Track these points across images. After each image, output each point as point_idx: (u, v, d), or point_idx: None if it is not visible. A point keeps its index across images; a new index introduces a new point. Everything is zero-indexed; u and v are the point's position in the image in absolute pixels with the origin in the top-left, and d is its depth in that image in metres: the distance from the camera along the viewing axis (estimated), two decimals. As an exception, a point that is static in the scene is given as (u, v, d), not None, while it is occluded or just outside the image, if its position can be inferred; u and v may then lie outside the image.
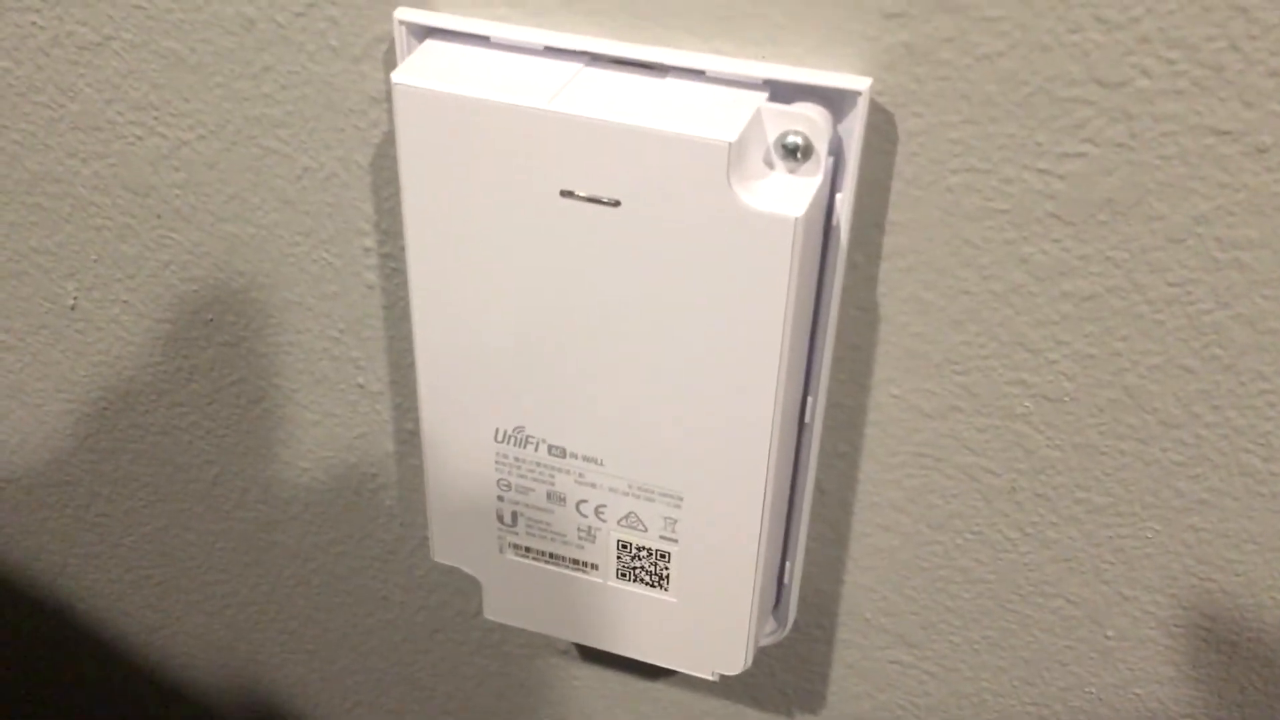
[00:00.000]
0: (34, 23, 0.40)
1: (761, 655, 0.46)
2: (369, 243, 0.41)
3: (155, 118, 0.40)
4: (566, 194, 0.33)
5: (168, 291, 0.45)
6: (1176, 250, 0.32)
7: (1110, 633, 0.41)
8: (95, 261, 0.45)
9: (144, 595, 0.57)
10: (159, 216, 0.43)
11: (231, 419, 0.48)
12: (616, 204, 0.32)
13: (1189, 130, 0.30)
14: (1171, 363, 0.34)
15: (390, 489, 0.48)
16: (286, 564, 0.53)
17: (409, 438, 0.45)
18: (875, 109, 0.32)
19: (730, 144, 0.30)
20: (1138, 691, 0.42)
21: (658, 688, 0.50)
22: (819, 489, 0.41)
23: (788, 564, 0.41)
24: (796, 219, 0.31)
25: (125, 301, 0.46)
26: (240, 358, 0.46)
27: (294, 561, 0.52)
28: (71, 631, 0.61)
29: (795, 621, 0.44)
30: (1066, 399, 0.36)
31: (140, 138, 0.41)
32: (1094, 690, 0.42)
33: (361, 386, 0.45)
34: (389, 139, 0.38)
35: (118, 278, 0.45)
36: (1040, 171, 0.32)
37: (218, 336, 0.45)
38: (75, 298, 0.47)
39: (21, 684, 0.66)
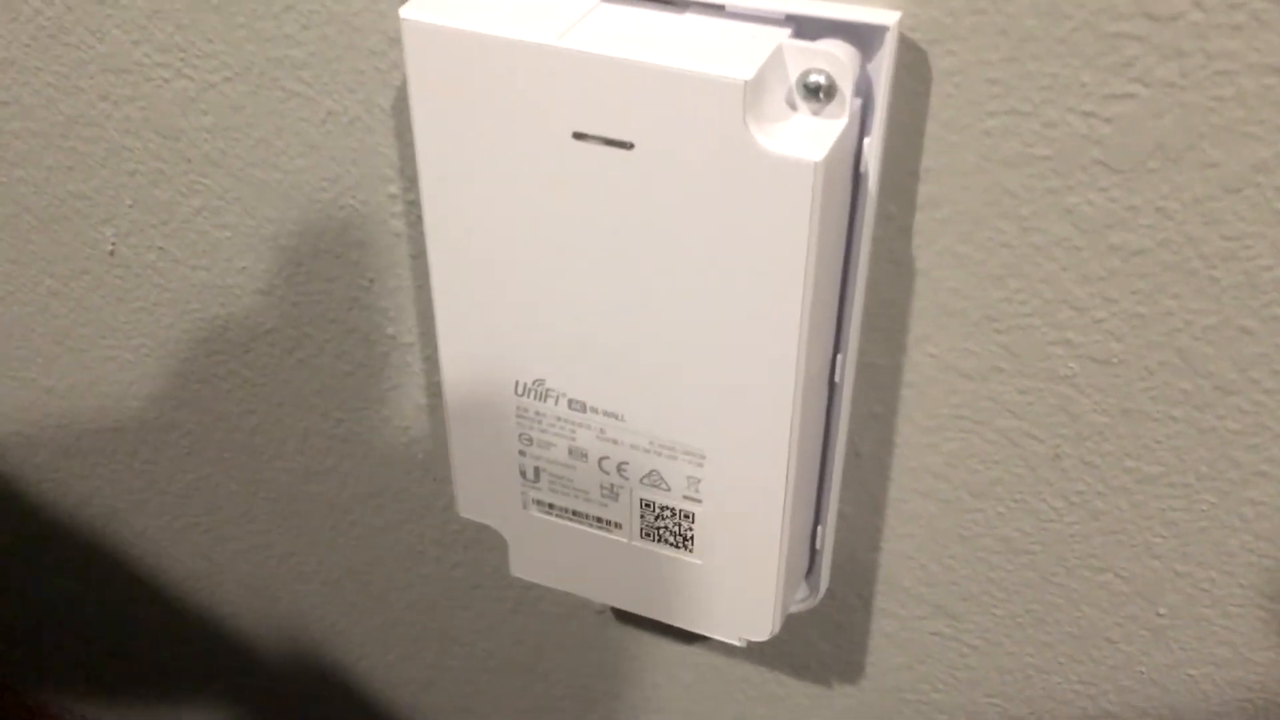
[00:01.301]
0: (62, -37, 0.39)
1: (797, 623, 0.45)
2: (394, 189, 0.40)
3: (182, 59, 0.40)
4: (579, 136, 0.31)
5: (201, 238, 0.45)
6: (1233, 201, 0.30)
7: (1162, 610, 0.38)
8: (131, 207, 0.45)
9: (192, 542, 0.58)
10: (189, 161, 0.42)
11: (268, 368, 0.48)
12: (630, 146, 0.31)
13: (1247, 69, 0.28)
14: (1228, 323, 0.32)
15: (422, 442, 0.47)
16: (325, 516, 0.53)
17: (438, 391, 0.45)
18: (906, 46, 0.30)
19: (746, 82, 0.29)
20: (1191, 672, 0.39)
21: (694, 652, 0.49)
22: (854, 452, 0.39)
23: (820, 529, 0.39)
24: (816, 164, 0.29)
25: (161, 248, 0.46)
26: (273, 306, 0.45)
27: (333, 513, 0.52)
28: (122, 576, 0.62)
29: (832, 589, 0.43)
30: (1114, 361, 0.34)
31: (168, 80, 0.41)
32: (1144, 670, 0.40)
33: (392, 337, 0.44)
34: (411, 81, 0.37)
35: (153, 224, 0.45)
36: (1085, 114, 0.30)
37: (251, 284, 0.45)
38: (113, 243, 0.47)
39: (70, 626, 0.68)
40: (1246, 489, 0.35)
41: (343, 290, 0.43)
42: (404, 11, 0.31)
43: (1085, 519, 0.37)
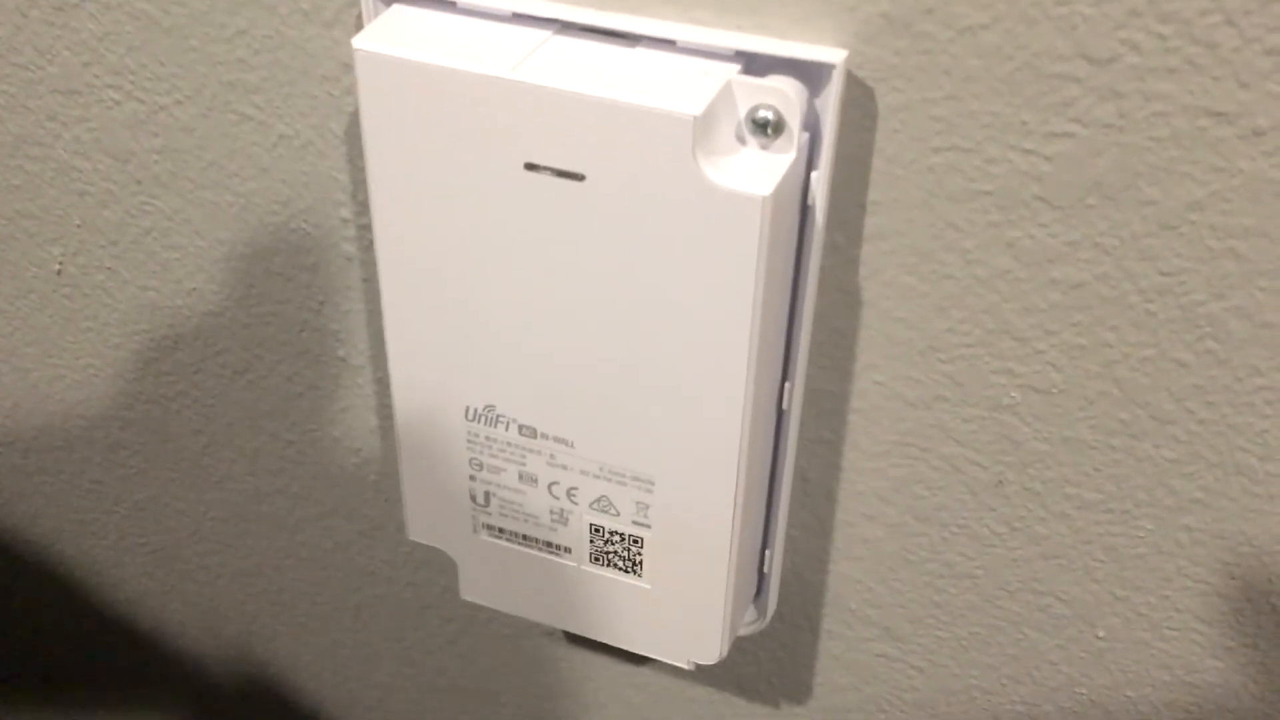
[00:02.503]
0: (11, -17, 0.39)
1: (745, 644, 0.45)
2: (346, 213, 0.40)
3: (132, 81, 0.40)
4: (531, 166, 0.31)
5: (151, 259, 0.44)
6: (1169, 237, 0.31)
7: (1101, 633, 0.39)
8: (79, 227, 0.45)
9: (139, 563, 0.57)
10: (139, 182, 0.42)
11: (218, 389, 0.48)
12: (581, 178, 0.31)
13: (1182, 111, 0.29)
14: (1164, 355, 0.33)
15: (373, 464, 0.47)
16: (275, 536, 0.52)
17: (390, 413, 0.45)
18: (854, 83, 0.31)
19: (695, 117, 0.29)
20: (1129, 694, 0.40)
21: (644, 673, 0.49)
22: (802, 477, 0.39)
23: (768, 552, 0.40)
24: (765, 197, 0.29)
25: (110, 268, 0.45)
26: (224, 327, 0.45)
27: (282, 533, 0.52)
28: (67, 596, 0.61)
29: (780, 612, 0.43)
30: (1055, 390, 0.34)
31: (118, 102, 0.40)
32: (1084, 691, 0.41)
33: (342, 359, 0.44)
34: (364, 107, 0.37)
35: (102, 244, 0.45)
36: (1026, 152, 0.31)
37: (201, 306, 0.45)
38: (61, 263, 0.46)
39: (16, 648, 0.67)
40: (1182, 515, 0.35)
41: (293, 312, 0.43)
42: (357, 41, 0.32)
43: (1027, 544, 0.38)
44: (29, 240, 0.46)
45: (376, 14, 0.33)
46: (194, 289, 0.45)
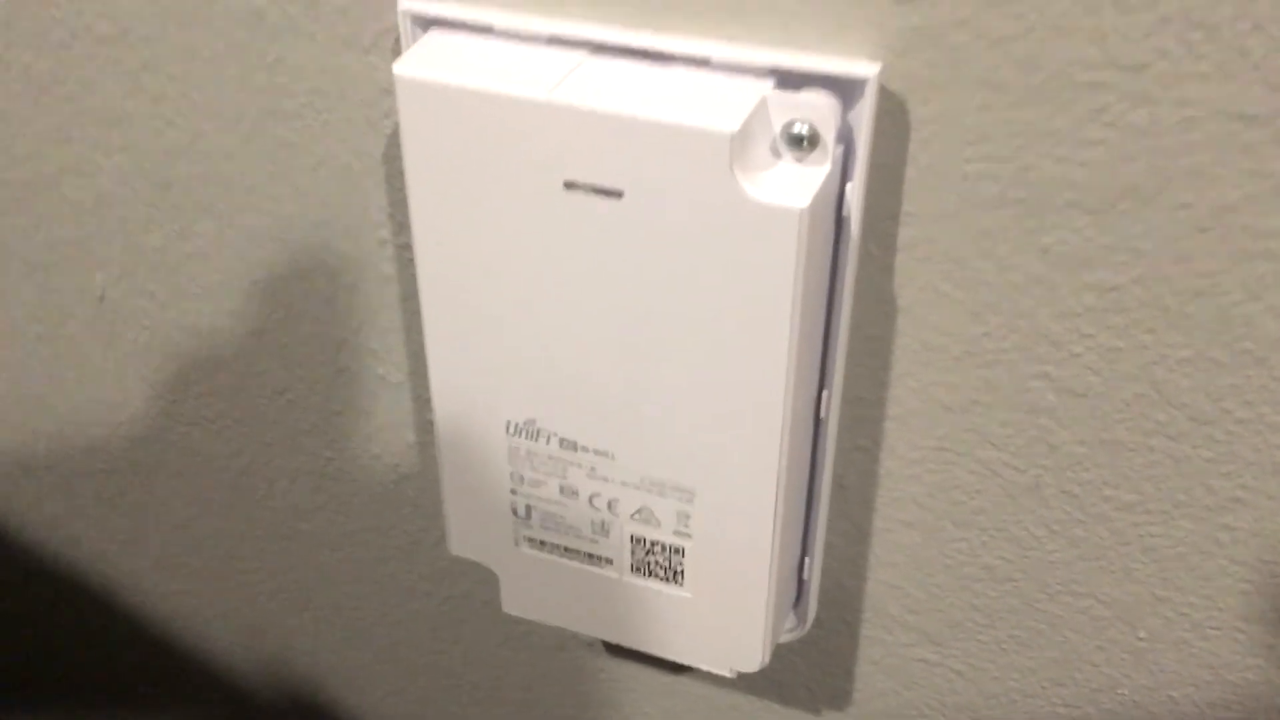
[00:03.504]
0: (53, 16, 0.40)
1: (785, 651, 0.46)
2: (384, 234, 0.40)
3: (174, 110, 0.40)
4: (570, 185, 0.32)
5: (192, 283, 0.45)
6: (1203, 240, 0.31)
7: (1142, 634, 0.39)
8: (121, 253, 0.46)
9: (180, 581, 0.58)
10: (180, 208, 0.43)
11: (258, 409, 0.48)
12: (620, 195, 0.32)
13: (1213, 115, 0.29)
14: (1200, 356, 0.33)
15: (412, 480, 0.47)
16: (315, 553, 0.53)
17: (428, 429, 0.45)
18: (887, 96, 0.31)
19: (732, 134, 0.29)
20: (1172, 694, 0.40)
21: (683, 682, 0.50)
22: (839, 484, 0.40)
23: (807, 560, 0.40)
24: (801, 210, 0.30)
25: (151, 292, 0.46)
26: (263, 348, 0.46)
27: (322, 550, 0.53)
28: (110, 615, 0.62)
29: (819, 618, 0.44)
30: (1091, 393, 0.35)
31: (159, 130, 0.41)
32: (1126, 692, 0.41)
33: (382, 378, 0.45)
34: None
35: (143, 269, 0.46)
36: (1059, 159, 0.31)
37: (241, 327, 0.46)
38: (103, 289, 0.47)
39: (60, 666, 0.68)
40: (1222, 515, 0.36)
41: (332, 332, 0.44)
42: (397, 68, 0.32)
43: (1066, 546, 0.38)
44: (72, 267, 0.47)
45: (414, 39, 0.34)
46: (234, 311, 0.45)
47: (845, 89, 0.31)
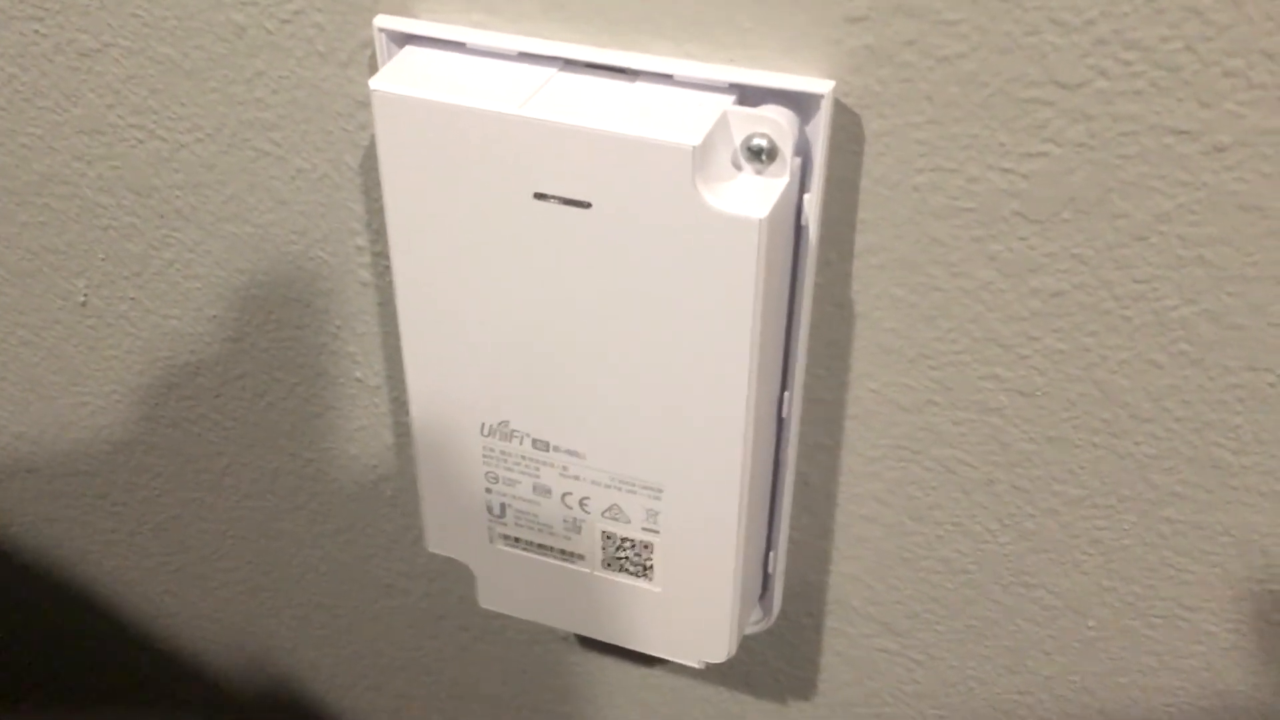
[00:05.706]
0: (36, 30, 0.41)
1: (753, 643, 0.47)
2: (361, 241, 0.42)
3: (155, 121, 0.42)
4: (540, 196, 0.33)
5: (172, 289, 0.46)
6: (1141, 247, 0.33)
7: (1091, 623, 0.41)
8: (103, 260, 0.47)
9: (161, 581, 0.59)
10: (161, 216, 0.44)
11: (238, 412, 0.49)
12: (587, 206, 0.33)
13: (1148, 130, 0.31)
14: (1140, 358, 0.35)
15: (390, 480, 0.49)
16: (295, 552, 0.54)
17: (405, 430, 0.47)
18: (842, 110, 0.33)
19: (694, 147, 0.31)
20: (1121, 680, 0.42)
21: (655, 674, 0.51)
22: (803, 481, 0.41)
23: (772, 554, 0.42)
24: (761, 220, 0.32)
25: (133, 298, 0.47)
26: (243, 353, 0.47)
27: (302, 550, 0.54)
28: (92, 615, 0.63)
29: (784, 610, 0.45)
30: (1039, 393, 0.36)
31: (141, 141, 0.42)
32: (1077, 679, 0.43)
33: (359, 380, 0.46)
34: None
35: (125, 275, 0.47)
36: (1004, 171, 0.33)
37: (221, 332, 0.47)
38: (85, 295, 0.48)
39: (42, 665, 0.69)
40: (1163, 508, 0.37)
41: (311, 337, 0.45)
42: (374, 83, 0.34)
43: (1017, 539, 0.40)
44: (55, 274, 0.48)
45: (390, 55, 0.35)
46: (214, 316, 0.46)
47: (802, 104, 0.33)
